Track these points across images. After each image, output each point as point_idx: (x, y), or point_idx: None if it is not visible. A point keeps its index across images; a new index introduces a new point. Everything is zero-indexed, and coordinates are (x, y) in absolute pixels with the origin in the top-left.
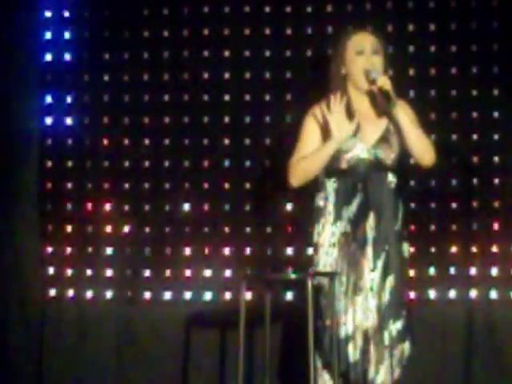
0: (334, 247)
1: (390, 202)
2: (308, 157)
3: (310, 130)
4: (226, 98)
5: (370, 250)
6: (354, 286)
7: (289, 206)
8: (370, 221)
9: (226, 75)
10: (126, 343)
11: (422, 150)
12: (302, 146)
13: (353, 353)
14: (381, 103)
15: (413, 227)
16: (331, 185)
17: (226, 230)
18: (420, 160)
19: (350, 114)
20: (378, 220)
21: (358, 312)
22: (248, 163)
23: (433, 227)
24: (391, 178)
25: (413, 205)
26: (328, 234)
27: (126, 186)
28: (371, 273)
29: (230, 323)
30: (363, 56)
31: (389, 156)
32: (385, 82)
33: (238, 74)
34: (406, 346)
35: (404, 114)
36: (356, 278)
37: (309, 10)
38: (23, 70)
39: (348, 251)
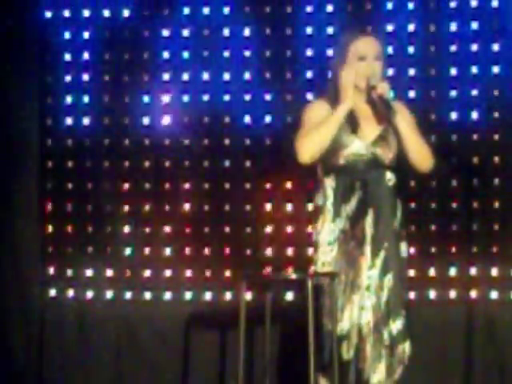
0: (332, 245)
1: (389, 200)
2: (315, 127)
3: (314, 116)
4: (227, 98)
5: (368, 248)
6: (352, 284)
7: (289, 206)
8: (369, 219)
9: (226, 75)
10: (126, 343)
11: (421, 158)
12: (308, 128)
13: (346, 351)
14: (380, 110)
15: (413, 227)
16: (330, 183)
17: (226, 229)
18: (418, 167)
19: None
20: (377, 218)
21: (355, 310)
22: (248, 163)
23: (433, 227)
24: (389, 176)
25: (413, 205)
26: (327, 231)
27: (126, 186)
28: (369, 271)
29: (230, 323)
30: (365, 62)
31: (387, 154)
32: (384, 90)
33: (238, 74)
34: (407, 345)
35: (403, 121)
36: (354, 276)
37: (309, 10)
38: (23, 71)
39: (346, 249)
